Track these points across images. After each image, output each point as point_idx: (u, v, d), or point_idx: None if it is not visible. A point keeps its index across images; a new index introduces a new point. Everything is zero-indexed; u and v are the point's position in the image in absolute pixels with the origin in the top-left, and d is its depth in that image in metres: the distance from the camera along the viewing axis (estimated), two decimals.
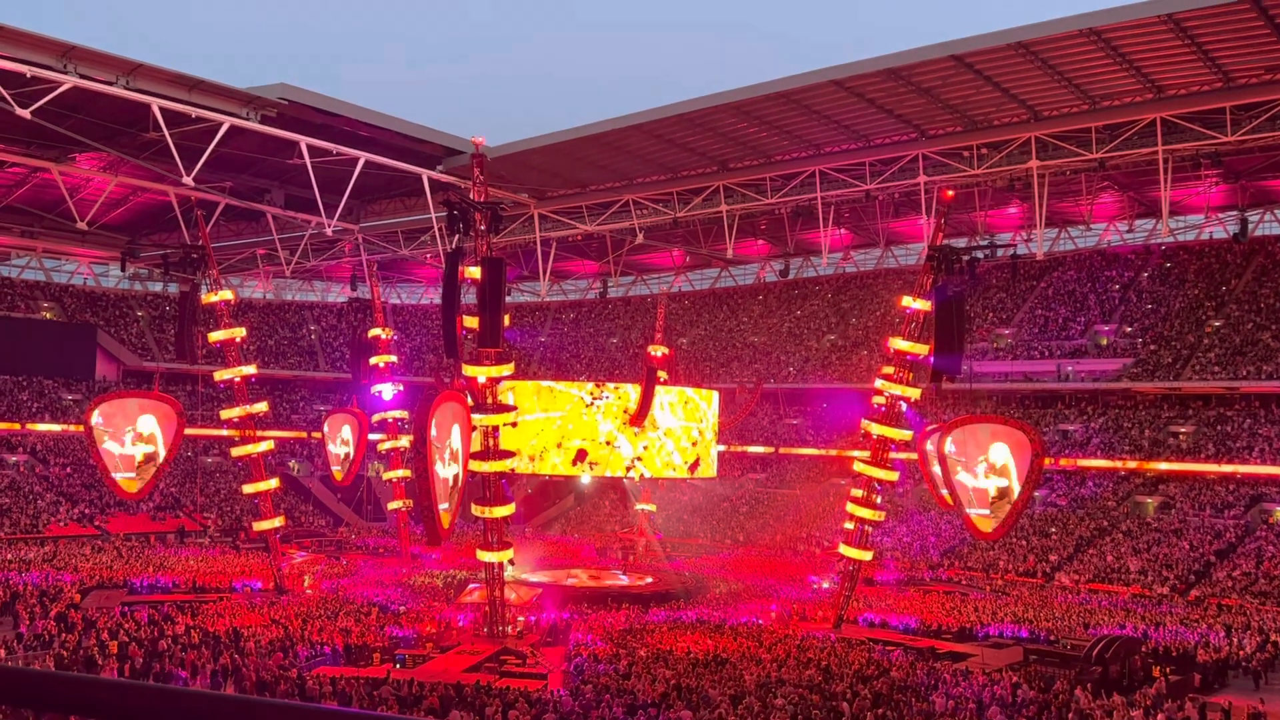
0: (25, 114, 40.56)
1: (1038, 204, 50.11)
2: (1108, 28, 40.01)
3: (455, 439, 30.78)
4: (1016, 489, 30.98)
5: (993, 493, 31.58)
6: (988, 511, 31.72)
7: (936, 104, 47.81)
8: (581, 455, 47.49)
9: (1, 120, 44.62)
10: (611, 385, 48.43)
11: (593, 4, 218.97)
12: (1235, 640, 31.81)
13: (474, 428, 31.28)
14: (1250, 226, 58.27)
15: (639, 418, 44.59)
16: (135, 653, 25.71)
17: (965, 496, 32.14)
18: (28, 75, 39.62)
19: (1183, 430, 52.13)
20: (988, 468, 31.49)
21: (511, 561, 33.33)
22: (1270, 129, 44.29)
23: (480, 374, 31.34)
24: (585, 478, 49.63)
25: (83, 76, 41.67)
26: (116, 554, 45.48)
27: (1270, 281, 55.21)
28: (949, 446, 32.33)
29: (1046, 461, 36.26)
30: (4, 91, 39.81)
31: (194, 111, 44.37)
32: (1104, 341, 58.20)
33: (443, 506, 29.83)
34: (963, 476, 32.10)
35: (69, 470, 58.58)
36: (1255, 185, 56.36)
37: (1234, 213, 58.93)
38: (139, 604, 33.24)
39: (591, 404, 47.02)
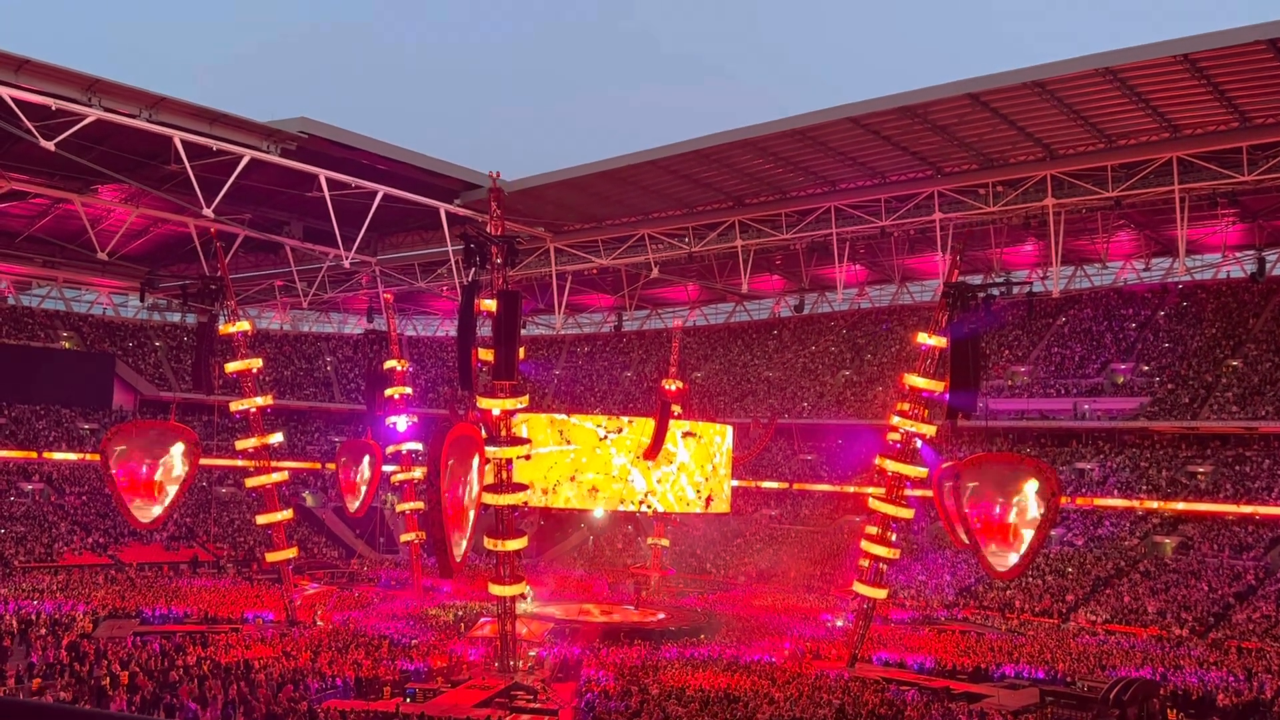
0: (49, 146, 41.07)
1: (1054, 242, 50.01)
2: (1124, 67, 40.08)
3: (469, 471, 30.74)
4: (1030, 530, 30.72)
5: (1009, 531, 31.30)
6: (1003, 550, 31.44)
7: (952, 142, 47.91)
8: (595, 489, 47.41)
9: (26, 152, 45.31)
10: (625, 419, 48.38)
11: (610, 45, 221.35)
12: (1256, 684, 31.35)
13: (487, 460, 31.28)
14: (1268, 266, 58.03)
15: (653, 452, 44.51)
16: (145, 683, 25.65)
17: (981, 535, 31.87)
18: (53, 107, 40.15)
19: (1201, 470, 51.69)
20: (1005, 506, 31.26)
21: (524, 595, 33.18)
22: None
23: (495, 406, 31.39)
24: (599, 511, 49.52)
25: (107, 109, 42.19)
26: (129, 584, 45.53)
27: None
28: (965, 484, 32.14)
29: (1063, 500, 35.98)
30: (30, 124, 40.32)
31: (215, 144, 44.85)
32: (1121, 380, 57.91)
33: (456, 538, 29.75)
34: (978, 513, 31.85)
35: (84, 499, 58.78)
36: (1272, 225, 56.10)
37: (1251, 252, 58.68)
38: (151, 634, 33.22)
39: (605, 438, 46.98)
